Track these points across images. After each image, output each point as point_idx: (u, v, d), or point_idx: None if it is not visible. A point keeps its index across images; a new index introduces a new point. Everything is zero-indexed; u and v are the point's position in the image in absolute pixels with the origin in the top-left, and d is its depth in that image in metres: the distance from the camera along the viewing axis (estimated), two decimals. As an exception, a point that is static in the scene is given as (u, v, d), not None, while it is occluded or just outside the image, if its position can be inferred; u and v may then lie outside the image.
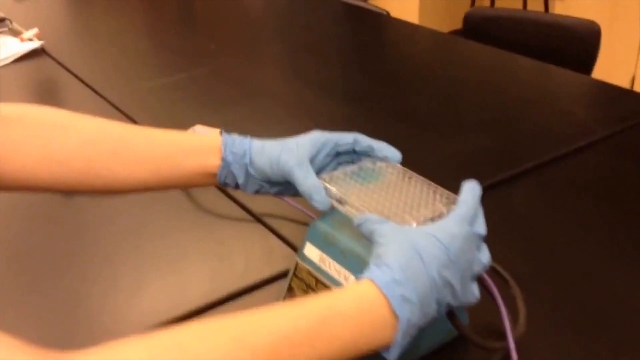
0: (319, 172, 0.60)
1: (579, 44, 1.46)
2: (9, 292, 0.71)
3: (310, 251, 0.58)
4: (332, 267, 0.56)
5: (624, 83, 2.58)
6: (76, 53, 1.52)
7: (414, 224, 0.52)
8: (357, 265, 0.53)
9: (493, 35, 1.57)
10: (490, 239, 0.52)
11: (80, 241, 0.81)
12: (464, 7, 2.97)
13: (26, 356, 0.37)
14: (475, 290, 0.51)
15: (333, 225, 0.57)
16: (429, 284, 0.46)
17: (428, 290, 0.46)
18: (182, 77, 1.33)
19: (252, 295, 0.69)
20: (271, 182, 0.61)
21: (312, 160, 0.59)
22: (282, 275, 0.70)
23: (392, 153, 0.60)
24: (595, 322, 0.64)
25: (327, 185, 0.58)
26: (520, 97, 1.19)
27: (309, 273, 0.58)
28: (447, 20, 3.18)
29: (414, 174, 0.60)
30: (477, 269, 0.51)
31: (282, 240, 0.78)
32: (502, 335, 0.54)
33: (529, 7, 2.87)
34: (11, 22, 1.65)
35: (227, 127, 1.00)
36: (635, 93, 1.25)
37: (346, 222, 0.55)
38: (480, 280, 0.54)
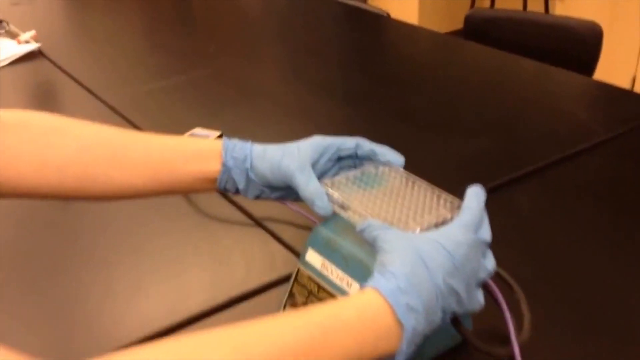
0: (320, 177, 0.59)
1: (580, 45, 1.45)
2: (6, 296, 0.70)
3: (312, 257, 0.57)
4: (334, 273, 0.55)
5: (625, 83, 2.58)
6: (74, 55, 1.52)
7: (418, 230, 0.51)
8: (359, 272, 0.53)
9: (494, 37, 1.57)
10: (492, 242, 0.52)
11: (78, 245, 0.80)
12: (463, 8, 2.98)
13: None
14: (480, 297, 0.50)
15: (335, 231, 0.56)
16: (434, 292, 0.45)
17: (433, 298, 0.45)
18: (180, 79, 1.32)
19: (252, 301, 0.69)
20: (272, 187, 0.60)
21: (313, 165, 0.58)
22: (283, 280, 0.69)
23: (395, 157, 0.60)
24: (600, 326, 0.63)
25: (329, 190, 0.57)
26: (522, 99, 1.18)
27: (311, 279, 0.57)
28: (446, 21, 3.19)
29: (418, 179, 0.59)
30: (483, 275, 0.50)
31: (283, 245, 0.77)
32: (506, 340, 0.53)
33: (529, 7, 2.87)
34: (8, 24, 1.64)
35: (227, 129, 1.00)
36: (638, 95, 1.24)
37: (349, 227, 0.55)
38: (484, 285, 0.54)
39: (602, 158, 0.95)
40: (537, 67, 1.31)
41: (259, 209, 0.83)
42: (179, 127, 1.00)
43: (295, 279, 0.59)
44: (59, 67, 1.40)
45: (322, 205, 0.56)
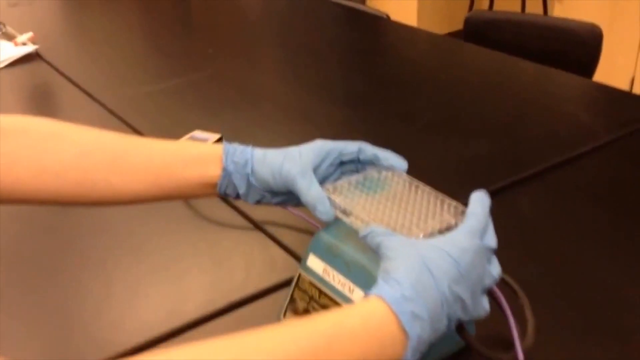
0: (322, 181, 0.59)
1: (580, 47, 1.45)
2: (5, 299, 0.70)
3: (314, 263, 0.57)
4: (336, 279, 0.55)
5: (624, 84, 2.58)
6: (71, 57, 1.51)
7: (422, 236, 0.51)
8: (362, 278, 0.52)
9: (494, 39, 1.57)
10: (494, 244, 0.52)
11: (77, 249, 0.80)
12: (462, 9, 2.98)
13: None
14: (485, 303, 0.50)
15: (337, 236, 0.56)
16: (439, 300, 0.45)
17: (439, 306, 0.45)
18: (180, 81, 1.32)
19: (252, 305, 0.68)
20: (273, 192, 0.60)
21: (315, 170, 0.58)
22: (284, 284, 0.69)
23: (398, 162, 0.59)
24: (602, 327, 0.63)
25: (331, 195, 0.56)
26: (522, 101, 1.18)
27: (312, 284, 0.57)
28: (445, 22, 3.19)
29: (421, 184, 0.58)
30: (488, 282, 0.50)
31: (283, 249, 0.77)
32: (510, 346, 0.53)
33: (528, 8, 2.87)
34: (5, 26, 1.63)
35: (226, 131, 1.00)
36: (638, 96, 1.24)
37: (351, 233, 0.54)
38: (488, 291, 0.53)
39: (603, 160, 0.95)
40: (537, 69, 1.31)
41: (258, 212, 0.82)
42: (178, 129, 0.99)
43: (297, 284, 0.59)
44: (57, 69, 1.40)
45: (324, 211, 0.55)
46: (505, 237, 0.53)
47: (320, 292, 0.56)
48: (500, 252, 0.53)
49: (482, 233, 0.50)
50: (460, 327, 0.51)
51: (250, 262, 0.75)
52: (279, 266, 0.74)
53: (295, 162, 0.57)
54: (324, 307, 0.55)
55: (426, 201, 0.56)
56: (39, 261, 0.77)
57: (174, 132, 0.98)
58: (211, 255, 0.77)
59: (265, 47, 1.57)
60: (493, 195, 0.54)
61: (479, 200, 0.52)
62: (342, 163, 0.60)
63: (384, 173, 0.59)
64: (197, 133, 0.99)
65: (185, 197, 0.81)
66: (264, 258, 0.76)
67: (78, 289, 0.72)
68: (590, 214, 0.82)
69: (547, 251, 0.75)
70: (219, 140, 0.95)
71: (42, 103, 1.30)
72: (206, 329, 0.65)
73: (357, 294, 0.53)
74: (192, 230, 0.82)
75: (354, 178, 0.59)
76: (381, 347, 0.43)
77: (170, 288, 0.72)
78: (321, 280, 0.56)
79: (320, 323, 0.43)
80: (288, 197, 0.60)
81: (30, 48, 1.47)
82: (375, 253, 0.50)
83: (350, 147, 0.60)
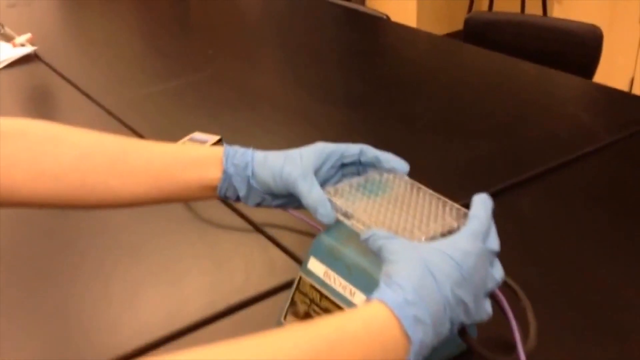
0: (323, 184, 0.59)
1: (580, 48, 1.45)
2: (3, 302, 0.69)
3: (315, 266, 0.56)
4: (337, 282, 0.54)
5: (623, 85, 2.58)
6: (70, 58, 1.51)
7: (424, 239, 0.50)
8: (363, 281, 0.52)
9: (493, 40, 1.57)
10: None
11: (76, 251, 0.79)
12: (461, 9, 2.97)
13: None
14: (488, 307, 0.50)
15: (338, 239, 0.55)
16: (442, 304, 0.45)
17: (441, 309, 0.45)
18: (179, 82, 1.31)
19: (252, 308, 0.68)
20: (274, 195, 0.59)
21: (316, 172, 0.57)
22: (284, 287, 0.69)
23: (400, 164, 0.59)
24: (603, 328, 0.63)
25: (333, 198, 0.56)
26: (522, 102, 1.18)
27: (313, 287, 0.56)
28: (444, 23, 3.19)
29: (422, 186, 0.58)
30: (491, 285, 0.49)
31: (284, 251, 0.76)
32: (512, 348, 0.53)
33: (527, 9, 2.87)
34: (3, 27, 1.62)
35: (226, 132, 0.99)
36: (638, 97, 1.24)
37: (352, 236, 0.54)
38: (490, 294, 0.53)
39: (603, 162, 0.95)
40: (537, 69, 1.31)
41: (258, 214, 0.82)
42: (177, 130, 0.99)
43: (297, 287, 0.58)
44: (55, 71, 1.39)
45: (325, 213, 0.55)
46: (506, 238, 0.53)
47: (321, 295, 0.56)
48: (501, 253, 0.52)
49: (485, 236, 0.49)
50: (462, 330, 0.51)
51: (250, 265, 0.75)
52: (279, 269, 0.73)
53: (296, 164, 0.57)
54: (325, 310, 0.55)
55: (428, 204, 0.55)
56: (38, 263, 0.77)
57: (174, 133, 0.97)
58: (211, 257, 0.77)
59: (265, 48, 1.57)
60: (493, 196, 0.54)
61: (482, 203, 0.52)
62: (343, 165, 0.60)
63: (385, 176, 0.59)
64: (197, 134, 0.98)
65: (185, 200, 0.80)
66: (264, 260, 0.75)
67: (77, 291, 0.72)
68: (590, 215, 0.82)
69: (548, 252, 0.75)
70: (219, 141, 0.95)
71: (41, 104, 1.29)
72: (206, 332, 0.65)
73: (358, 297, 0.52)
74: (192, 232, 0.82)
75: (355, 180, 0.58)
76: (383, 351, 0.43)
77: (170, 290, 0.71)
78: (322, 283, 0.56)
79: (322, 327, 0.43)
80: (289, 199, 0.60)
81: (28, 49, 1.47)
82: (376, 256, 0.49)
83: (352, 150, 0.59)
